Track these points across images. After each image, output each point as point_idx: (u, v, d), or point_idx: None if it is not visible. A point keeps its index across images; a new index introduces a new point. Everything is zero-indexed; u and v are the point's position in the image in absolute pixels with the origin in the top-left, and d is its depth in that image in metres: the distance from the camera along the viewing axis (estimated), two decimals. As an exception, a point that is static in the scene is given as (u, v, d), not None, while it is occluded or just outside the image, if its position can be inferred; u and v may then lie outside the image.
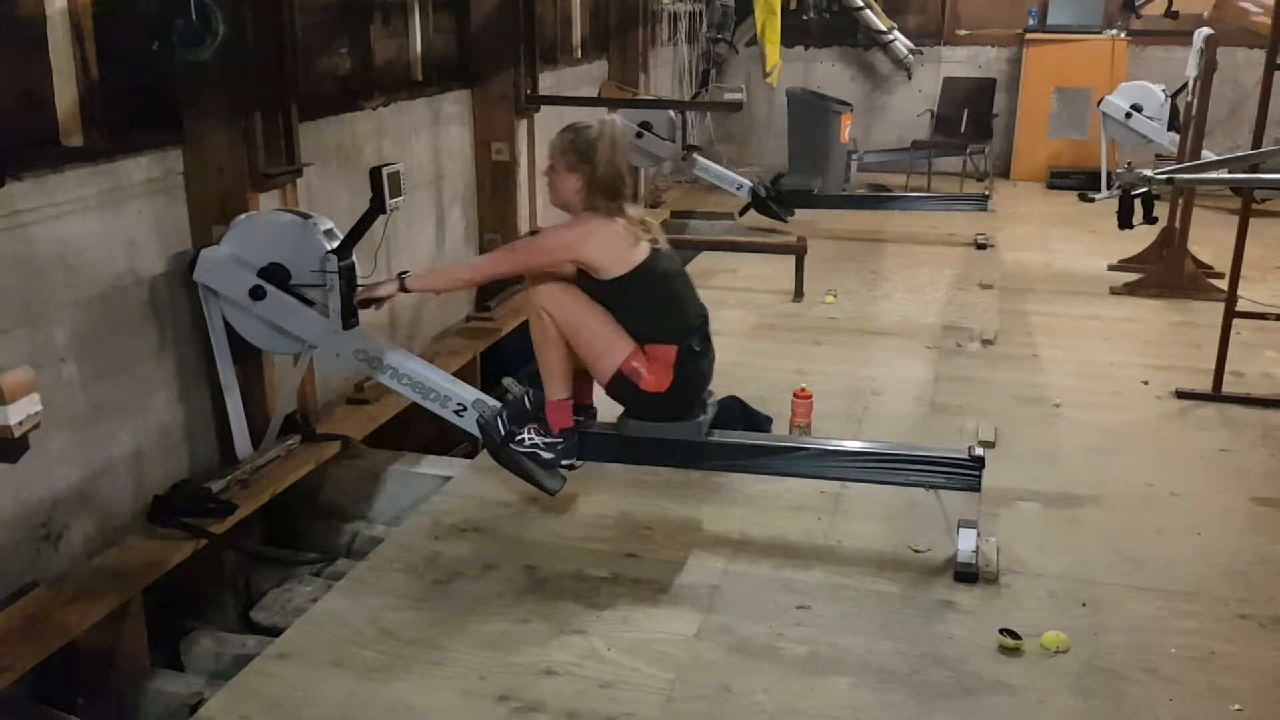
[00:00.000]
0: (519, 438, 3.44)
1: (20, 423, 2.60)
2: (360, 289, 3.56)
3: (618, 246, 3.30)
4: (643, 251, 3.33)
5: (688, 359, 3.34)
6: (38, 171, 3.13)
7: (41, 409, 2.68)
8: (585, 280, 3.35)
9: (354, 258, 3.63)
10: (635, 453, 3.57)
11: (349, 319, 3.61)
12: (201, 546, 3.43)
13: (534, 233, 6.53)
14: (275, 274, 3.62)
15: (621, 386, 3.36)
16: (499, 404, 3.55)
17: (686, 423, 3.42)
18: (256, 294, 3.60)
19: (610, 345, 3.33)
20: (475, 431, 3.57)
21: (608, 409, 3.57)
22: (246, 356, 3.86)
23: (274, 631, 3.36)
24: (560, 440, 3.43)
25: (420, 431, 4.72)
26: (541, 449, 3.43)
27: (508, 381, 3.60)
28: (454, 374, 4.01)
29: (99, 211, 3.38)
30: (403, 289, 3.49)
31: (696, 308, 3.46)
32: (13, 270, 3.07)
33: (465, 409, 3.61)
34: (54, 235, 3.20)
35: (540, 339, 3.41)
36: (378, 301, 3.56)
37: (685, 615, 3.10)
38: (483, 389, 3.94)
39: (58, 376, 3.24)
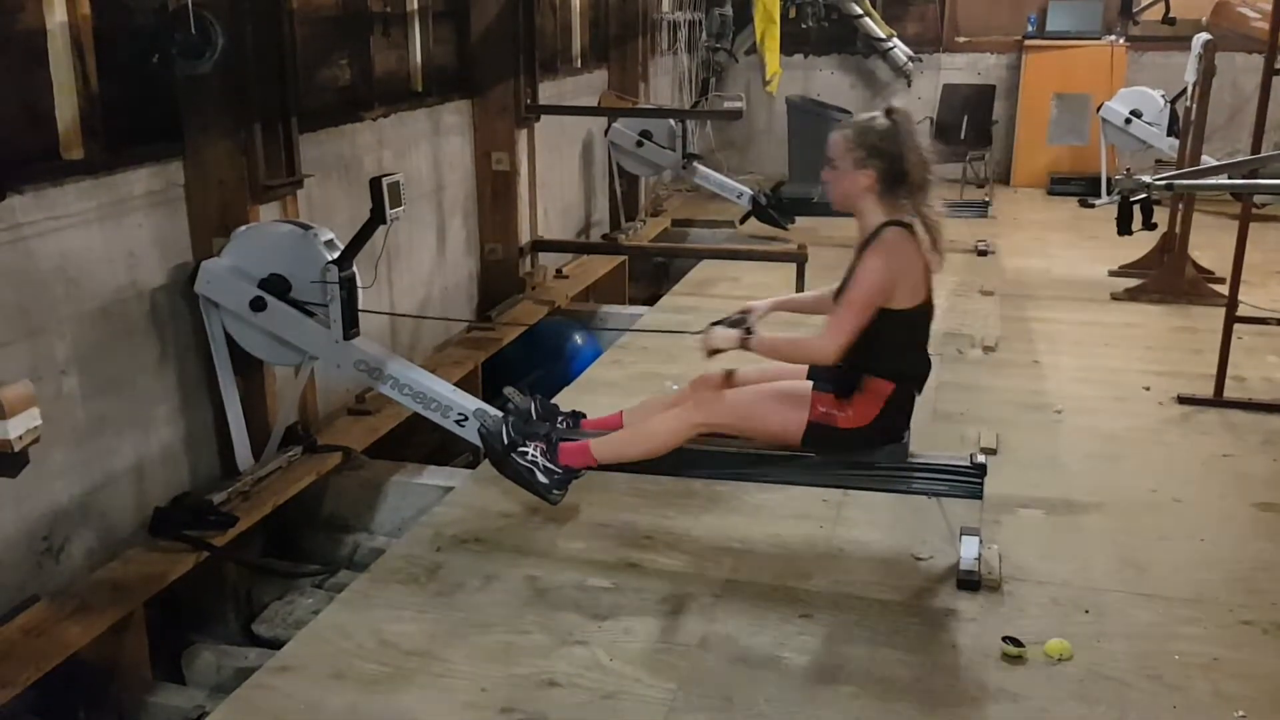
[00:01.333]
0: (522, 450, 3.42)
1: (20, 437, 2.60)
2: (712, 325, 3.34)
3: (919, 280, 3.04)
4: (928, 286, 3.07)
5: (901, 400, 3.14)
6: (38, 185, 3.14)
7: (41, 423, 2.69)
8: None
9: (354, 268, 3.63)
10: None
11: (350, 329, 3.61)
12: (203, 559, 3.42)
13: (535, 245, 6.54)
14: (276, 285, 3.62)
15: (817, 434, 3.16)
16: (500, 414, 3.54)
17: (898, 445, 3.24)
18: (257, 305, 3.60)
19: (794, 416, 3.15)
20: (477, 441, 3.57)
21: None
22: (247, 368, 3.86)
23: (276, 644, 3.36)
24: (559, 472, 3.37)
25: (422, 442, 4.72)
26: (539, 471, 3.37)
27: (509, 391, 3.59)
28: (455, 384, 4.01)
29: (100, 224, 3.38)
30: (745, 346, 3.20)
31: (927, 356, 3.23)
32: (13, 283, 3.08)
33: (466, 419, 3.61)
34: (55, 248, 3.21)
35: (659, 429, 3.27)
36: (718, 352, 3.27)
37: (687, 625, 3.09)
38: (484, 399, 3.94)
39: (59, 389, 3.24)
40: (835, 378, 3.16)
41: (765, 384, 3.27)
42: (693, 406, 3.27)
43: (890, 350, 3.10)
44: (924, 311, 3.12)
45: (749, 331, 3.23)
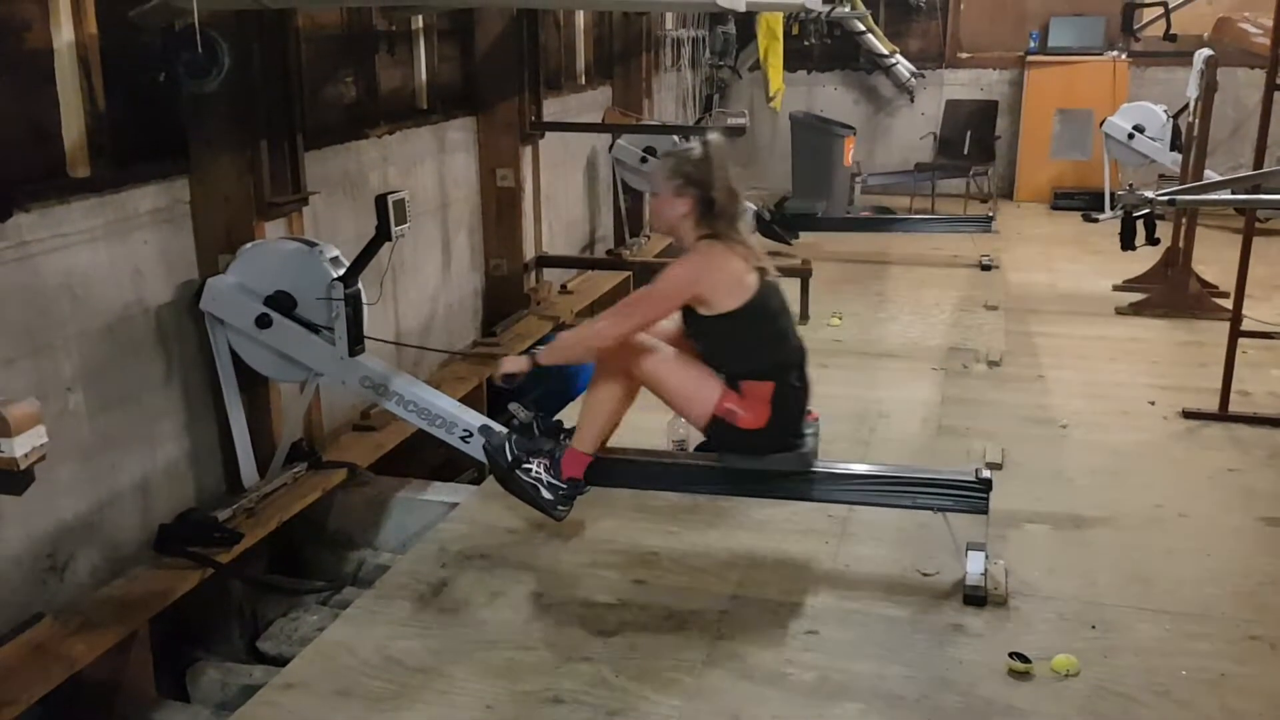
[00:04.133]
0: (526, 466, 3.42)
1: (26, 454, 2.60)
2: (499, 370, 3.45)
3: (735, 278, 3.17)
4: (753, 283, 3.19)
5: (786, 395, 3.24)
6: (45, 203, 3.15)
7: (47, 441, 2.69)
8: (690, 315, 3.25)
9: (360, 285, 3.64)
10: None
11: (355, 346, 3.62)
12: (208, 576, 3.42)
13: (539, 260, 6.56)
14: (281, 302, 3.63)
15: (718, 429, 3.26)
16: (506, 429, 3.54)
17: (791, 454, 3.32)
18: (263, 322, 3.61)
19: (702, 392, 3.23)
20: (482, 457, 3.57)
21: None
22: (253, 384, 3.87)
23: (280, 661, 3.36)
24: (564, 487, 3.38)
25: (427, 458, 4.72)
26: (544, 488, 3.38)
27: (514, 407, 3.58)
28: (460, 400, 4.01)
29: (106, 242, 3.39)
30: (535, 364, 3.36)
31: (796, 342, 3.33)
32: (20, 301, 3.09)
33: (471, 435, 3.61)
34: (61, 266, 3.22)
35: (602, 395, 3.34)
36: (512, 376, 3.43)
37: (693, 641, 3.08)
38: (489, 415, 3.94)
39: (64, 406, 3.25)
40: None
41: (692, 359, 3.30)
42: (621, 345, 3.28)
43: (745, 351, 3.23)
44: (757, 307, 3.19)
45: (533, 349, 3.43)
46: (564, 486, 3.38)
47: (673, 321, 3.39)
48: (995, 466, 4.12)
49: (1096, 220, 8.97)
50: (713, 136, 3.31)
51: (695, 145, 3.29)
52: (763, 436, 3.26)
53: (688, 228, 3.23)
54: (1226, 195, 5.46)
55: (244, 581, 3.75)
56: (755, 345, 3.23)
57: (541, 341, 5.33)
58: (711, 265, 3.18)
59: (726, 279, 3.16)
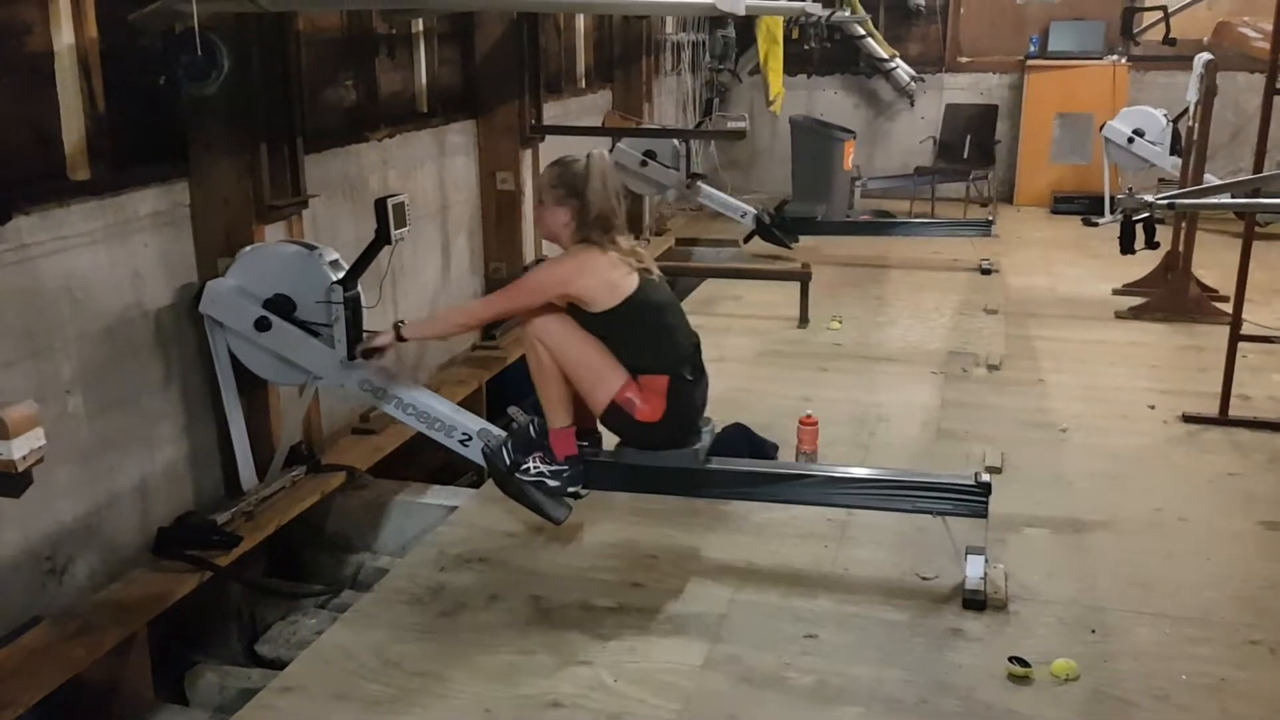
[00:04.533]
0: (524, 467, 3.44)
1: (24, 457, 2.60)
2: (360, 344, 3.57)
3: (609, 279, 3.31)
4: (633, 283, 3.33)
5: (680, 388, 3.35)
6: (45, 206, 3.15)
7: (45, 443, 2.68)
8: (576, 313, 3.36)
9: (359, 288, 3.64)
10: (636, 481, 3.57)
11: (354, 349, 3.61)
12: (206, 579, 3.42)
13: (537, 262, 6.57)
14: (281, 305, 3.63)
15: (617, 417, 3.37)
16: (504, 433, 3.55)
17: (684, 450, 3.42)
18: (262, 325, 3.61)
19: (603, 377, 3.34)
20: (481, 461, 3.57)
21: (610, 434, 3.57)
22: (252, 388, 3.86)
23: (279, 664, 3.35)
24: (565, 468, 3.43)
25: (426, 461, 4.72)
26: (547, 477, 3.43)
27: (513, 410, 3.59)
28: (459, 403, 4.01)
29: (105, 244, 3.39)
30: (399, 338, 3.53)
31: (687, 336, 3.46)
32: (20, 303, 3.09)
33: (471, 438, 3.61)
34: (60, 268, 3.22)
35: (536, 370, 3.43)
36: (378, 352, 3.57)
37: (692, 645, 3.08)
38: (488, 418, 3.94)
39: (63, 409, 3.24)
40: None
41: (599, 344, 3.36)
42: (530, 321, 3.39)
43: (634, 345, 3.35)
44: (638, 304, 3.32)
45: (398, 326, 3.54)
46: (565, 467, 3.42)
47: None
48: (995, 470, 4.12)
49: (1096, 224, 8.98)
50: (597, 152, 3.44)
51: (580, 158, 3.42)
52: (658, 430, 3.36)
53: (567, 235, 3.40)
54: (1226, 199, 5.46)
55: (242, 584, 3.74)
56: (643, 339, 3.36)
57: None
58: (582, 267, 3.33)
59: (597, 280, 3.31)
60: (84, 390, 3.32)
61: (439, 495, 4.23)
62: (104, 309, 3.40)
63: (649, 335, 3.36)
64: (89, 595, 3.30)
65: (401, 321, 3.59)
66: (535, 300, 3.40)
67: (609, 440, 3.58)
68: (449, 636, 3.14)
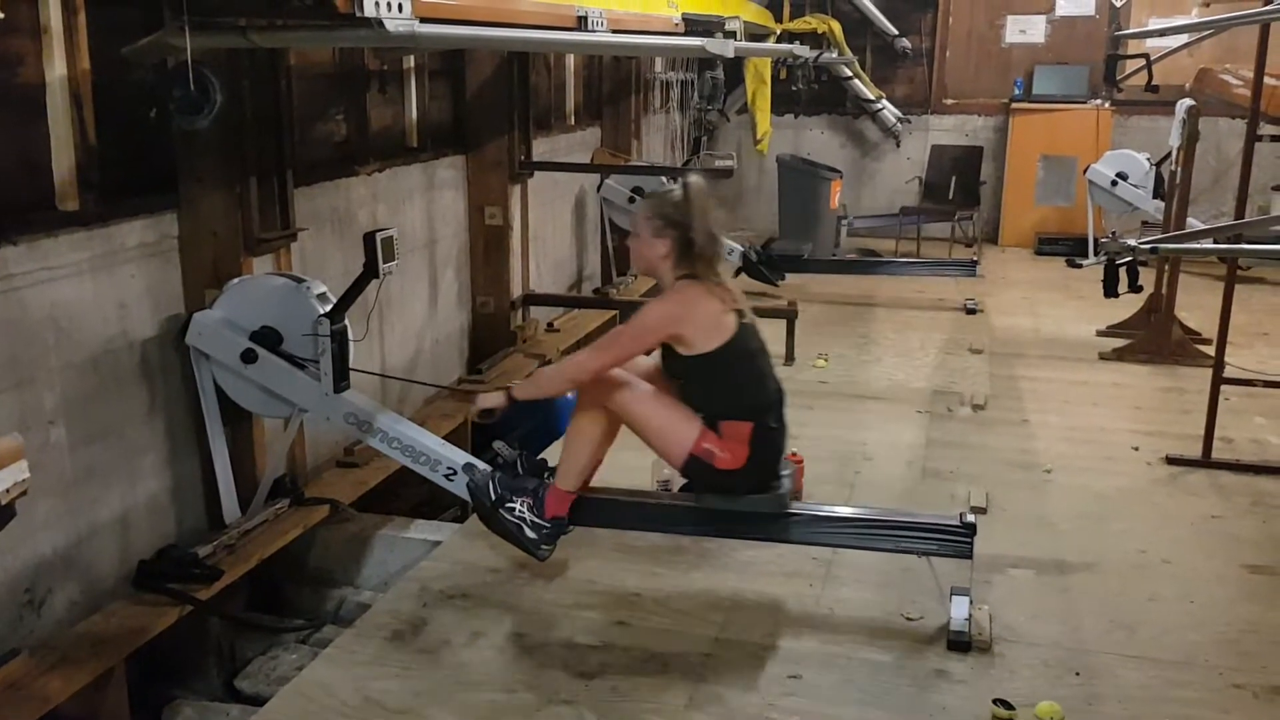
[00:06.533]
0: (509, 505, 3.41)
1: (7, 490, 2.57)
2: (474, 405, 3.48)
3: (716, 320, 3.18)
4: (731, 324, 3.20)
5: (764, 435, 3.25)
6: (33, 236, 3.15)
7: (29, 476, 2.66)
8: (669, 354, 3.27)
9: (346, 321, 3.64)
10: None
11: (340, 382, 3.61)
12: (186, 613, 3.39)
13: (526, 297, 6.58)
14: (267, 337, 3.63)
15: (696, 467, 3.26)
16: (490, 468, 3.53)
17: (768, 495, 3.33)
18: (248, 357, 3.60)
19: (679, 431, 3.23)
20: (466, 496, 3.56)
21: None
22: (236, 420, 3.85)
23: (258, 700, 3.31)
24: (548, 526, 3.37)
25: (410, 495, 4.70)
26: (527, 527, 3.37)
27: (499, 445, 3.58)
28: (445, 438, 4.00)
29: (92, 275, 3.39)
30: (511, 399, 3.39)
31: (775, 383, 3.34)
32: (4, 333, 3.07)
33: (456, 473, 3.60)
34: (46, 299, 3.21)
35: (578, 431, 3.34)
36: (489, 413, 3.46)
37: (676, 684, 3.06)
38: (474, 453, 3.92)
39: (46, 440, 3.22)
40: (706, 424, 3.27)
41: (671, 397, 3.31)
42: (599, 380, 3.28)
43: (723, 391, 3.23)
44: (736, 348, 3.21)
45: (508, 388, 3.41)
46: (547, 526, 3.37)
47: (653, 360, 3.40)
48: (980, 510, 4.12)
49: (1080, 266, 9.02)
50: (693, 179, 3.32)
51: (676, 187, 3.30)
52: (740, 477, 3.27)
53: (667, 268, 3.26)
54: (1209, 244, 5.52)
55: (223, 619, 3.71)
56: (734, 386, 3.24)
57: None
58: (690, 305, 3.20)
59: (705, 320, 3.18)
60: (67, 421, 3.30)
61: (422, 530, 4.20)
62: (89, 340, 3.39)
63: (740, 382, 3.24)
64: (67, 628, 3.26)
65: (513, 384, 3.46)
66: (646, 344, 3.28)
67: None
68: (431, 673, 3.11)
